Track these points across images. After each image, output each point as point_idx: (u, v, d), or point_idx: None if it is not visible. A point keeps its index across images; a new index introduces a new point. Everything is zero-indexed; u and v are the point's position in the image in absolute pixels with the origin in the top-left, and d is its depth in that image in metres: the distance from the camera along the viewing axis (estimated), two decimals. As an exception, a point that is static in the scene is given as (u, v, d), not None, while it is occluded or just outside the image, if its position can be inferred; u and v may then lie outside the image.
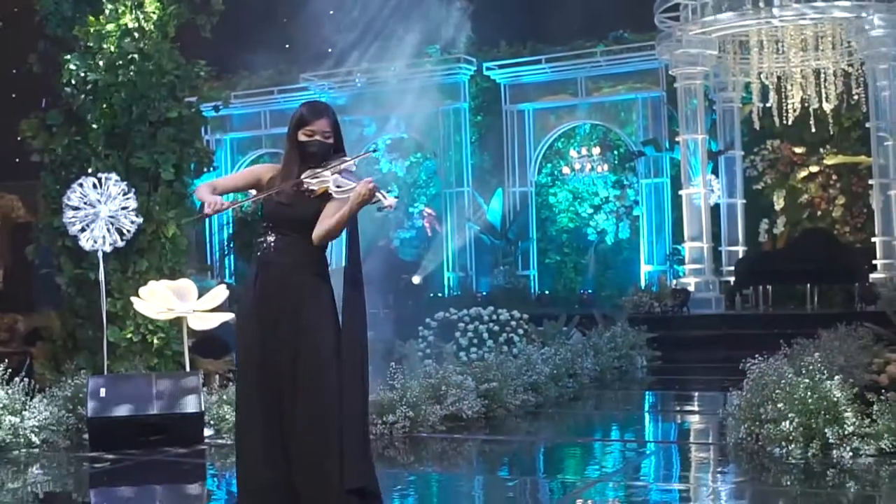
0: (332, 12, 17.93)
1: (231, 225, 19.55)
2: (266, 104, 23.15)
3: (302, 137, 4.99)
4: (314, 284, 4.97)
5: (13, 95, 22.72)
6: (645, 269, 20.19)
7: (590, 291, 20.03)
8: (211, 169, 12.07)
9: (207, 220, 19.21)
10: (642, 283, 19.46)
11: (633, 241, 20.74)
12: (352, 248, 5.06)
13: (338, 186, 4.78)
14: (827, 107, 18.61)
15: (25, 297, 20.18)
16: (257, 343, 4.98)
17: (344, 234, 4.99)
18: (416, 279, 20.57)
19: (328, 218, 4.86)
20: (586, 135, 21.51)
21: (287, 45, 22.89)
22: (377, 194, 4.70)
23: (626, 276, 20.45)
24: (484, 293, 20.22)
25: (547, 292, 20.97)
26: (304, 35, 18.30)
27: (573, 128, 21.61)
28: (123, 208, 9.45)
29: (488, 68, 21.65)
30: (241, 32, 17.42)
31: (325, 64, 21.20)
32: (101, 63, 10.70)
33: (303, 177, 4.87)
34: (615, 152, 21.18)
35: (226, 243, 22.14)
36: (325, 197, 4.84)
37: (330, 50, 20.75)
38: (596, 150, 21.24)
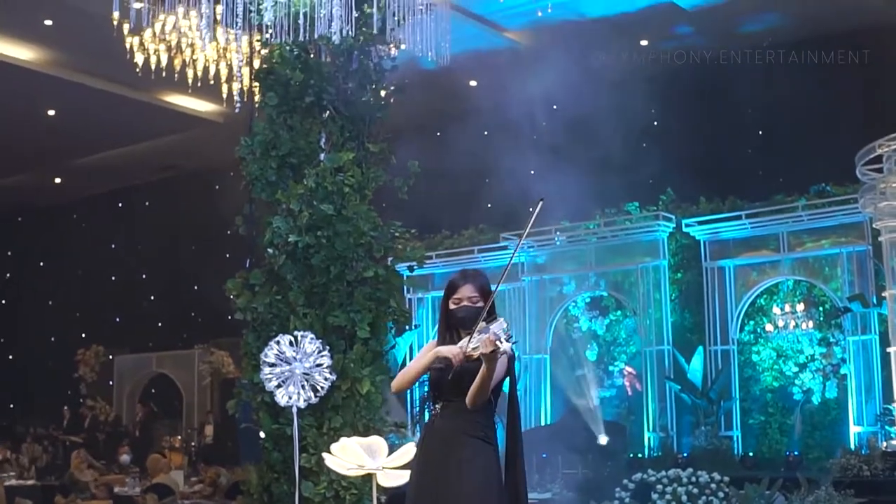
0: (532, 171, 18.21)
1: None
2: (467, 263, 23.37)
3: (451, 305, 5.13)
4: (475, 448, 4.96)
5: (227, 255, 23.81)
6: (854, 430, 19.35)
7: (796, 453, 19.29)
8: (412, 327, 12.30)
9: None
10: (851, 445, 18.66)
11: (842, 400, 19.95)
12: (511, 413, 5.06)
13: (474, 348, 4.82)
14: None
15: (232, 450, 20.86)
16: None
17: (505, 398, 5.02)
18: (602, 440, 20.28)
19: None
20: (789, 291, 20.97)
21: (489, 205, 23.31)
22: (497, 343, 4.69)
23: (835, 438, 19.62)
24: (685, 454, 19.73)
25: (751, 454, 20.29)
26: (504, 194, 18.65)
27: (776, 284, 21.11)
28: (318, 365, 9.69)
29: (687, 225, 21.50)
30: (443, 192, 17.89)
31: (523, 223, 21.44)
32: (301, 225, 11.13)
33: (460, 343, 4.94)
34: (820, 308, 20.56)
35: (424, 398, 22.36)
36: (479, 360, 4.88)
37: (531, 209, 21.01)
38: (800, 307, 20.67)
